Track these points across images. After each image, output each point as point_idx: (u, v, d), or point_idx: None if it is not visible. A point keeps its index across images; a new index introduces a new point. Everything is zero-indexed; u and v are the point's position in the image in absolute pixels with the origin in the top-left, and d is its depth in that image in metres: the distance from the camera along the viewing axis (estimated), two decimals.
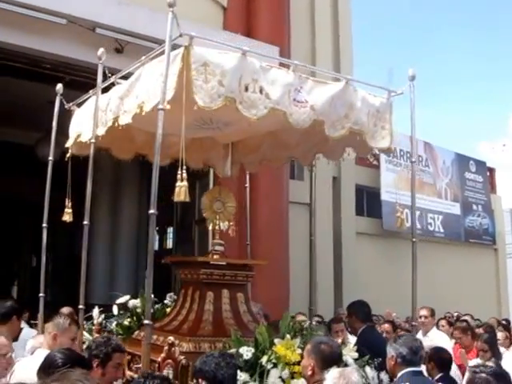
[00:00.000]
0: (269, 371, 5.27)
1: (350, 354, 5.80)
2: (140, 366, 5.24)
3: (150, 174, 5.37)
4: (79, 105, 7.59)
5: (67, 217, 7.37)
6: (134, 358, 5.96)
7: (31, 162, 13.88)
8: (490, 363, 7.10)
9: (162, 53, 5.37)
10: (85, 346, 5.56)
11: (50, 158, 7.80)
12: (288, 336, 5.59)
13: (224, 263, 6.67)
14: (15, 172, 17.92)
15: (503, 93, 74.26)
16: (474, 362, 7.78)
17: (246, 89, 5.48)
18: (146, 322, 5.10)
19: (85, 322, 6.61)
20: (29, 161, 14.62)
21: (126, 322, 7.13)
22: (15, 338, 6.21)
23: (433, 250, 20.62)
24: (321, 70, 8.50)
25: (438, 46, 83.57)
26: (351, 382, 3.96)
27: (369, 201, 19.80)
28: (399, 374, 4.99)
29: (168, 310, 7.26)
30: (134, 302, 7.31)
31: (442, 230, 21.66)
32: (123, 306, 7.37)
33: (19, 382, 4.02)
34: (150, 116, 5.35)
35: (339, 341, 6.28)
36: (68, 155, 7.31)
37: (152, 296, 7.27)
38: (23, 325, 7.38)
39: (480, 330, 9.40)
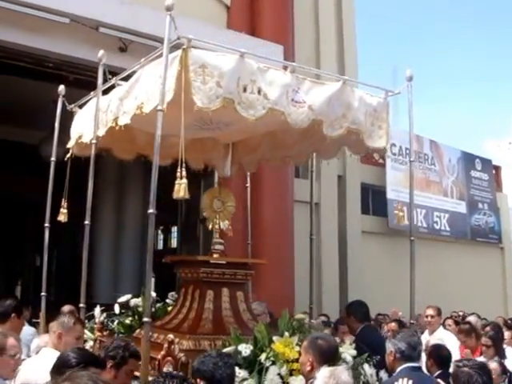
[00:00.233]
0: (267, 368, 5.31)
1: (348, 351, 5.84)
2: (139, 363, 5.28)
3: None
4: (81, 106, 7.67)
5: (62, 217, 7.46)
6: None
7: (35, 161, 13.93)
8: (493, 361, 7.24)
9: (161, 55, 5.43)
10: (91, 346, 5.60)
11: (53, 158, 7.88)
12: (286, 334, 5.64)
13: (224, 262, 6.74)
14: (19, 171, 18.01)
15: (510, 91, 73.97)
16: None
17: (245, 89, 5.55)
18: (145, 319, 5.16)
19: (86, 321, 6.66)
20: (33, 160, 14.69)
21: (127, 321, 7.19)
22: None
23: (439, 248, 20.68)
24: (321, 72, 8.53)
25: (444, 43, 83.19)
26: (341, 381, 3.99)
27: (374, 199, 19.82)
28: (398, 369, 5.07)
29: (169, 308, 7.31)
30: (136, 301, 7.37)
31: (447, 229, 21.67)
32: (125, 305, 7.43)
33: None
34: (150, 117, 5.41)
35: (347, 341, 6.33)
36: (68, 156, 7.40)
37: (154, 295, 7.39)
38: None
39: (488, 329, 9.44)
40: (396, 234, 17.81)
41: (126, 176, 18.40)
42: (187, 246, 16.34)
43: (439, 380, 5.19)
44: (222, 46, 5.80)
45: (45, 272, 7.88)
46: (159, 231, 24.45)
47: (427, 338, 8.68)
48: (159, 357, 5.35)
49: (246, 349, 5.43)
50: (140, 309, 7.17)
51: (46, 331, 6.09)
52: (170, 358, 5.28)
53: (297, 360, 5.26)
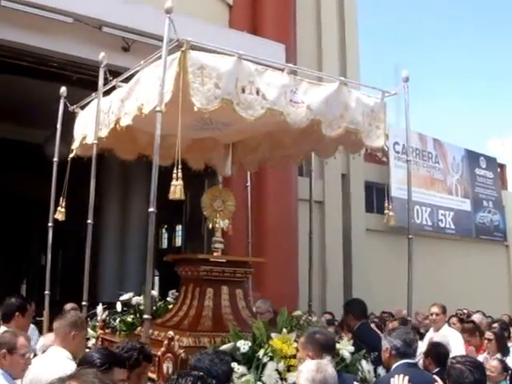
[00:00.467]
0: (265, 364, 5.39)
1: (346, 348, 5.90)
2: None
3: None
4: (82, 107, 7.75)
5: (60, 215, 7.56)
6: None
7: (40, 160, 14.01)
8: (493, 358, 7.29)
9: (161, 57, 5.51)
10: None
11: (55, 159, 7.98)
12: (285, 330, 5.71)
13: (223, 260, 6.82)
14: (25, 171, 18.08)
15: None
16: (480, 357, 7.87)
17: (243, 90, 5.65)
18: (145, 316, 5.24)
19: (89, 319, 6.73)
20: (38, 159, 14.74)
21: (129, 319, 7.25)
22: None
23: (444, 246, 20.69)
24: (318, 73, 8.57)
25: (449, 41, 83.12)
26: (328, 374, 4.01)
27: (379, 197, 19.81)
28: (394, 366, 5.10)
29: (170, 306, 7.39)
30: (137, 299, 7.45)
31: (452, 227, 21.67)
32: (127, 303, 7.51)
33: None
34: (150, 118, 5.50)
35: (345, 338, 6.40)
36: (71, 156, 7.49)
37: (155, 293, 7.47)
38: None
39: (495, 325, 9.48)
40: (400, 231, 17.69)
41: (131, 175, 18.48)
42: (192, 244, 16.39)
43: (435, 376, 5.21)
44: (221, 47, 5.87)
45: (48, 271, 7.98)
46: (164, 230, 24.54)
47: (432, 336, 8.71)
48: (159, 353, 5.41)
49: (244, 345, 5.50)
50: (141, 307, 7.22)
51: (50, 330, 6.14)
52: (169, 355, 5.30)
53: (294, 356, 5.33)
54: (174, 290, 7.87)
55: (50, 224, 7.83)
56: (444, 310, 9.26)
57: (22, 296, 8.47)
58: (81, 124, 7.55)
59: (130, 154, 7.97)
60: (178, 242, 22.49)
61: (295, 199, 14.20)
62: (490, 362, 7.21)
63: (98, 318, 7.09)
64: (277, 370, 5.37)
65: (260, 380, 5.28)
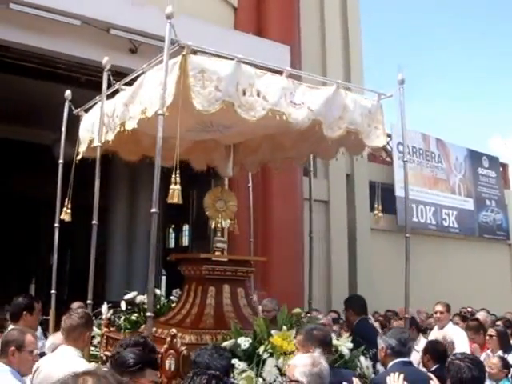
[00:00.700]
0: (265, 360, 5.49)
1: (345, 344, 6.01)
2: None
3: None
4: (86, 110, 7.88)
5: (66, 216, 7.68)
6: None
7: (49, 161, 14.11)
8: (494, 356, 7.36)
9: (163, 61, 5.63)
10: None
11: (61, 160, 8.12)
12: (284, 327, 5.82)
13: (225, 259, 6.96)
14: (34, 171, 18.18)
15: None
16: (483, 355, 7.96)
17: (244, 93, 5.75)
18: (147, 314, 5.36)
19: (94, 318, 6.83)
20: (47, 160, 14.84)
21: (133, 317, 7.38)
22: None
23: (447, 245, 20.72)
24: (316, 77, 8.64)
25: (451, 41, 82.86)
26: (323, 367, 4.10)
27: (383, 197, 19.81)
28: (390, 365, 5.19)
29: (173, 305, 7.51)
30: (142, 298, 7.54)
31: (456, 226, 21.67)
32: (131, 302, 7.62)
33: None
34: (154, 121, 5.60)
35: (344, 335, 6.49)
36: (78, 158, 7.58)
37: (158, 291, 7.59)
38: None
39: (499, 322, 9.54)
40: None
41: (138, 176, 18.54)
42: (198, 243, 16.46)
43: (430, 374, 5.30)
44: (222, 51, 5.96)
45: (55, 270, 8.10)
46: (171, 230, 24.58)
47: (436, 334, 8.78)
48: (162, 350, 5.52)
49: (245, 342, 5.62)
50: (145, 305, 7.32)
51: (57, 329, 6.26)
52: (172, 352, 5.40)
53: (294, 353, 5.43)
54: (177, 289, 7.96)
55: (56, 224, 7.96)
56: (448, 308, 9.33)
57: (30, 295, 8.59)
58: (86, 127, 7.67)
59: (133, 155, 8.10)
60: (185, 241, 22.53)
61: (300, 199, 14.22)
62: (491, 358, 7.29)
63: (103, 316, 7.19)
64: (276, 366, 5.46)
65: (260, 376, 5.38)
